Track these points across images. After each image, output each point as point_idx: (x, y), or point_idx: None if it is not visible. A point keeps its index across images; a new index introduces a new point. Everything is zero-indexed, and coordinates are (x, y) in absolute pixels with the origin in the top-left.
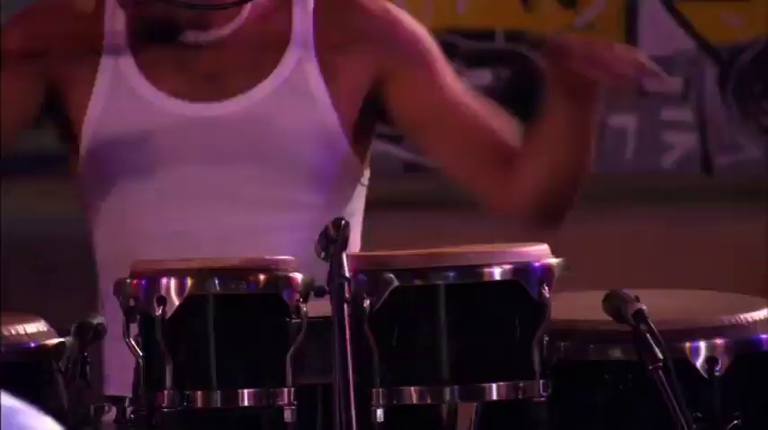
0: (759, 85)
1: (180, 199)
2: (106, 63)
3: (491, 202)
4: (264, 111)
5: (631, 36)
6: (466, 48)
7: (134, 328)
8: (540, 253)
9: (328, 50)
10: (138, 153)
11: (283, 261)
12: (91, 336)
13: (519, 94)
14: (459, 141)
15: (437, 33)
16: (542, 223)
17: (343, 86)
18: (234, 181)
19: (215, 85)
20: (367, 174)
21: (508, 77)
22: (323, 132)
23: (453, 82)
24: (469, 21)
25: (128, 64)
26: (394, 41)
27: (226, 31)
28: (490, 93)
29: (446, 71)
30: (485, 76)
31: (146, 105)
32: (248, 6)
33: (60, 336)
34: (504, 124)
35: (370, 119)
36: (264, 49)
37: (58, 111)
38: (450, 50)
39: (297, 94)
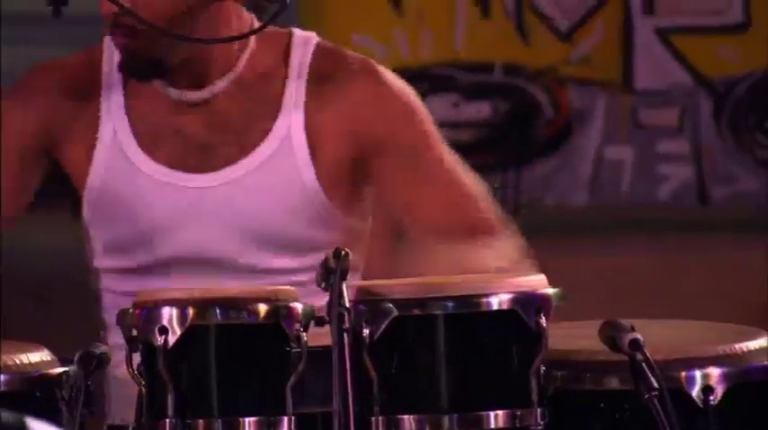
0: (754, 118)
1: (176, 263)
2: (105, 133)
3: None
4: (252, 183)
5: (627, 69)
6: (465, 80)
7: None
8: (538, 283)
9: (318, 114)
10: (136, 221)
11: (284, 291)
12: (94, 366)
13: (517, 126)
14: (436, 213)
15: (437, 67)
16: None
17: (328, 157)
18: (228, 247)
19: (207, 154)
20: (368, 225)
21: (506, 109)
22: (307, 205)
23: (437, 149)
24: (468, 54)
25: (125, 133)
26: (382, 109)
27: (220, 86)
28: (489, 124)
29: (431, 138)
30: (483, 108)
31: (142, 176)
32: (244, 59)
33: (64, 366)
34: (482, 196)
35: (358, 179)
36: (256, 114)
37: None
38: (449, 83)
39: (283, 167)
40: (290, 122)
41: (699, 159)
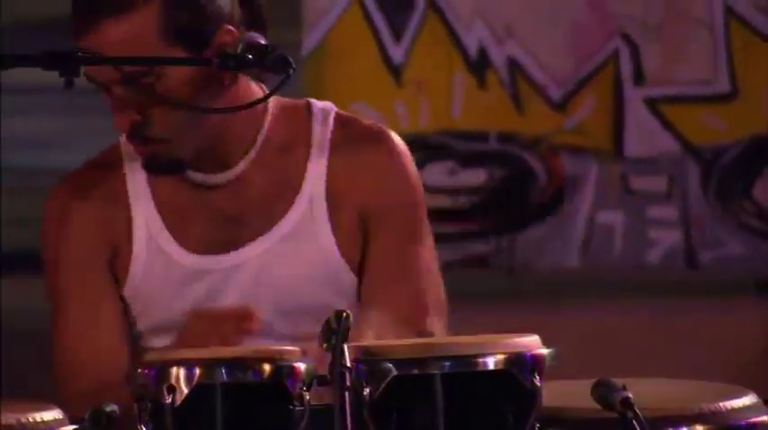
0: (740, 185)
1: None
2: (138, 229)
3: None
4: (278, 255)
5: (618, 137)
6: (461, 148)
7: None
8: (532, 343)
9: (336, 193)
10: (172, 308)
11: (287, 351)
12: (104, 423)
13: (512, 192)
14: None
15: (435, 135)
16: None
17: (345, 228)
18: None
19: (235, 229)
20: None
21: (502, 176)
22: (329, 273)
23: (422, 243)
24: (465, 124)
25: (156, 225)
26: (383, 190)
27: (242, 166)
28: (485, 191)
29: (414, 227)
30: (479, 175)
31: (178, 268)
32: (263, 135)
33: (75, 424)
34: (436, 310)
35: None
36: (280, 186)
37: None
38: (446, 151)
39: (305, 238)
40: (313, 193)
41: (687, 225)
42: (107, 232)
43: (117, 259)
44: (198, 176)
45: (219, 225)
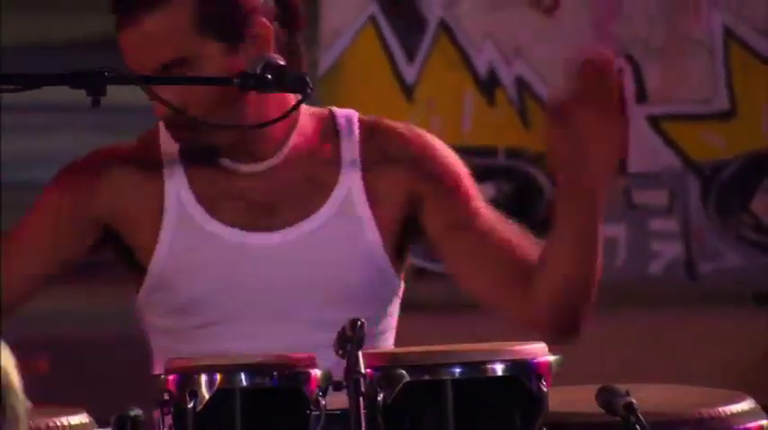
0: (738, 199)
1: (236, 322)
2: (170, 201)
3: (511, 316)
4: (317, 240)
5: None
6: (470, 164)
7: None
8: (538, 350)
9: (373, 177)
10: (201, 282)
11: (303, 358)
12: (129, 428)
13: (520, 207)
14: (481, 257)
15: None
16: (561, 335)
17: (386, 210)
18: (287, 303)
19: (270, 215)
20: (402, 286)
21: (510, 191)
22: (368, 256)
23: (479, 202)
24: (474, 139)
25: (188, 198)
26: (428, 165)
27: (274, 161)
28: (493, 204)
29: (472, 192)
30: (488, 190)
31: (209, 238)
32: (294, 135)
33: (101, 428)
34: (525, 241)
35: (407, 238)
36: (316, 177)
37: (118, 249)
38: None
39: (345, 222)
40: (350, 184)
41: (688, 237)
42: (132, 199)
43: (140, 230)
44: (230, 164)
45: (252, 210)
